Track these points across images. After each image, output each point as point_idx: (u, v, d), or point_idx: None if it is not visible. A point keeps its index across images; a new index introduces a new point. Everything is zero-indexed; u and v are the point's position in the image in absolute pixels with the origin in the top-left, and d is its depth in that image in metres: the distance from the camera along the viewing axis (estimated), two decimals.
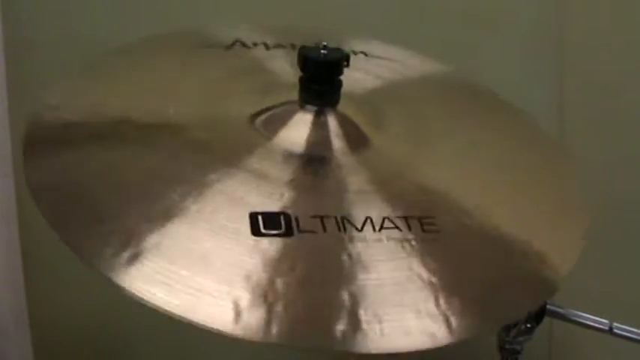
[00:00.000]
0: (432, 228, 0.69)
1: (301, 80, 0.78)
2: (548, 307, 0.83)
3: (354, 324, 0.61)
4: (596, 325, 0.86)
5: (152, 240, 0.63)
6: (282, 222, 0.66)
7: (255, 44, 0.89)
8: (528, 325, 0.83)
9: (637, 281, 1.26)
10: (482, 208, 0.73)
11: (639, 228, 1.24)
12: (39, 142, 0.71)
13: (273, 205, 0.67)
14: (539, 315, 0.83)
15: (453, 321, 0.63)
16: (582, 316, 0.86)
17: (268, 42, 0.90)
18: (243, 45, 0.89)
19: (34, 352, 1.23)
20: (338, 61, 0.76)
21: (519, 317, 0.79)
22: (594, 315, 0.86)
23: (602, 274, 1.23)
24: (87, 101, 0.77)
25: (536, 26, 1.19)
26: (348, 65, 0.77)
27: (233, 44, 0.88)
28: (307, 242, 0.65)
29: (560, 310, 0.86)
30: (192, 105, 0.78)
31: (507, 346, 0.84)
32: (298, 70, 0.77)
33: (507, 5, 1.18)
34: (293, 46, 0.88)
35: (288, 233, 0.65)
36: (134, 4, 1.16)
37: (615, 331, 0.85)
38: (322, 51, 0.76)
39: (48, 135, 0.72)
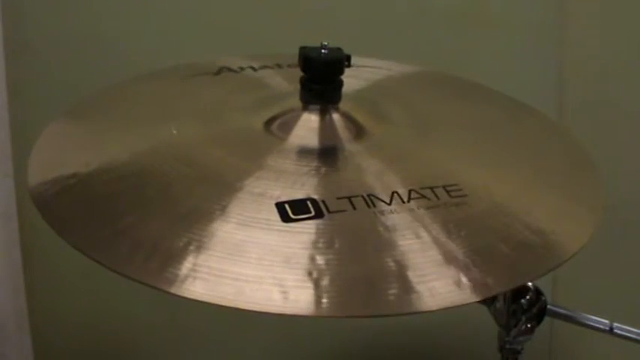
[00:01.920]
0: (458, 193, 0.71)
1: (303, 81, 0.78)
2: (548, 307, 0.84)
3: (406, 286, 0.63)
4: (597, 325, 0.86)
5: (182, 242, 0.64)
6: (310, 206, 0.68)
7: (241, 68, 0.92)
8: (529, 325, 0.83)
9: (637, 281, 1.26)
10: (492, 186, 0.75)
11: (639, 228, 1.24)
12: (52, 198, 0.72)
13: (296, 194, 0.69)
14: (539, 315, 0.83)
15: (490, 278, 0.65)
16: (582, 316, 0.87)
17: (254, 65, 0.93)
18: (230, 70, 0.92)
19: (34, 352, 1.23)
20: (339, 61, 0.77)
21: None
22: (594, 315, 0.86)
23: (602, 274, 1.23)
24: (89, 151, 0.77)
25: (536, 26, 1.19)
26: (349, 65, 0.77)
27: (220, 71, 0.91)
28: (340, 221, 0.67)
29: (560, 310, 0.86)
30: (198, 124, 0.80)
31: (508, 346, 0.84)
32: (292, 83, 0.79)
33: (507, 5, 1.18)
34: (279, 66, 0.92)
35: (318, 215, 0.67)
36: (134, 4, 1.16)
37: (615, 331, 0.85)
38: (323, 51, 0.76)
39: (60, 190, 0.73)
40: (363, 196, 0.69)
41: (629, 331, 0.85)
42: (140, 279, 0.62)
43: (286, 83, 0.87)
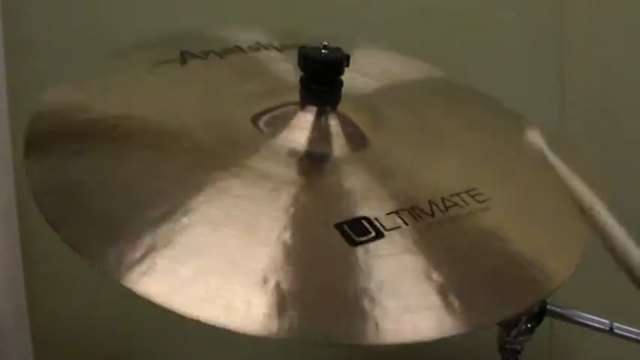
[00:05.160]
0: (482, 198, 0.69)
1: (302, 80, 0.78)
2: (548, 307, 0.84)
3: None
4: (596, 325, 0.86)
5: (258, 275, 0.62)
6: (368, 226, 0.64)
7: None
8: (529, 325, 0.83)
9: None
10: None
11: (639, 228, 1.24)
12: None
13: (345, 214, 0.65)
14: (539, 315, 0.83)
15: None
16: (582, 316, 0.86)
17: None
18: (193, 56, 0.87)
19: (34, 352, 1.23)
20: (339, 61, 0.76)
21: (518, 312, 0.80)
22: (594, 315, 0.86)
23: (602, 274, 1.23)
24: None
25: (536, 26, 1.19)
26: (348, 65, 0.77)
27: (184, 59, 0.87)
28: (400, 238, 0.64)
29: (560, 310, 0.86)
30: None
31: (508, 346, 0.84)
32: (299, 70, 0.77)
33: (507, 5, 1.18)
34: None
35: (379, 235, 0.64)
36: (134, 4, 1.16)
37: (615, 331, 0.85)
38: (323, 51, 0.76)
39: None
40: (407, 210, 0.66)
41: (629, 331, 0.85)
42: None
43: (293, 69, 0.81)
